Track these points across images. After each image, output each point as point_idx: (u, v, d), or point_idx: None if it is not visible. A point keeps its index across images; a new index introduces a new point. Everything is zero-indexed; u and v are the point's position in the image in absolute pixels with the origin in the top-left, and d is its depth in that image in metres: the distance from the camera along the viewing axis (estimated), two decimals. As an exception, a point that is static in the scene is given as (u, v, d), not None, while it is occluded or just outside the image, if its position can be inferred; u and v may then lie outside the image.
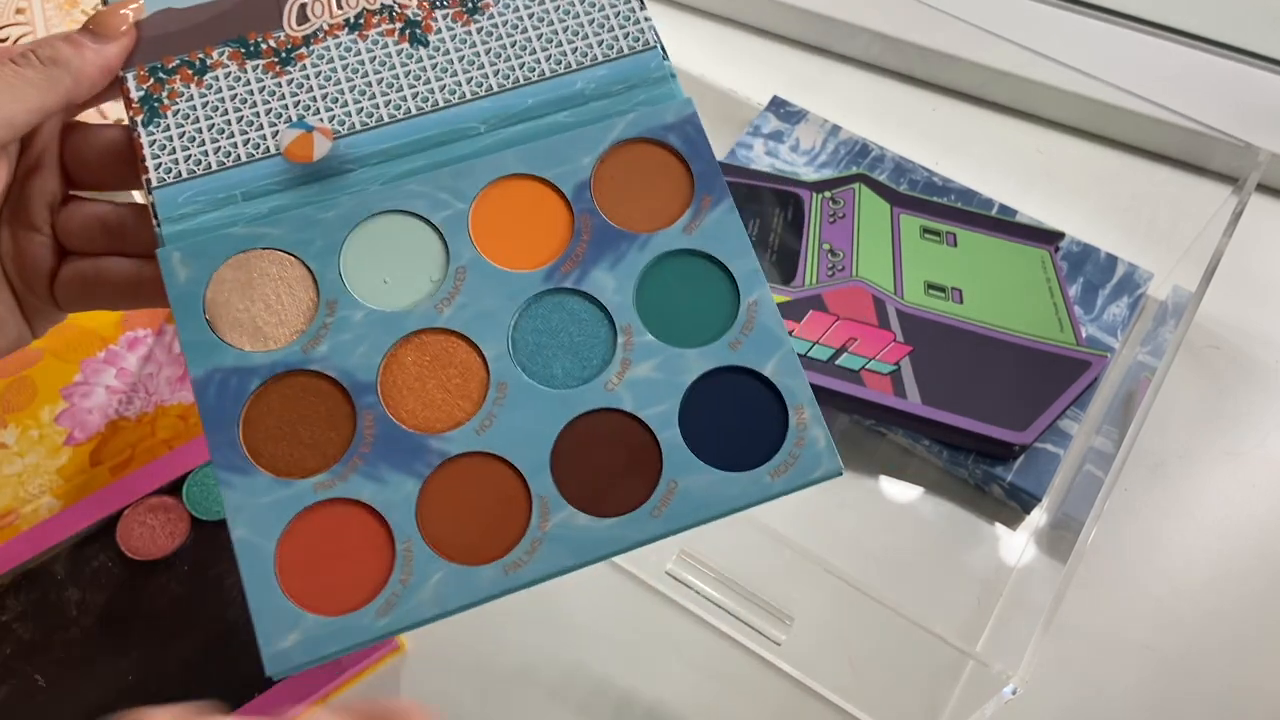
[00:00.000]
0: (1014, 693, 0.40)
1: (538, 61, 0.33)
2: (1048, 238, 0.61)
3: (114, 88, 0.32)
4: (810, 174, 0.64)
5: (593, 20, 0.33)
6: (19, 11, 0.55)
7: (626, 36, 0.33)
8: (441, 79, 0.32)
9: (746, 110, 0.68)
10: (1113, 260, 0.61)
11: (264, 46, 0.32)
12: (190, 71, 0.32)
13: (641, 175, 0.32)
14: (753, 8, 0.73)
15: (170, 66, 0.32)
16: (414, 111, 0.32)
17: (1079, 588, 0.51)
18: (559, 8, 0.33)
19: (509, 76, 0.32)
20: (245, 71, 0.32)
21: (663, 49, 0.33)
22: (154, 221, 0.31)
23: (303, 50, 0.32)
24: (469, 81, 0.32)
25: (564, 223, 0.31)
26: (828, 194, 0.61)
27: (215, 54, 0.32)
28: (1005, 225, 0.61)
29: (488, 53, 0.33)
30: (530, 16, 0.33)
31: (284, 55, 0.32)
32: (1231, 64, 0.70)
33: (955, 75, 0.70)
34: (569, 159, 0.32)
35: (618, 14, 0.33)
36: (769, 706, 0.49)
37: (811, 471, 0.29)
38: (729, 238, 0.31)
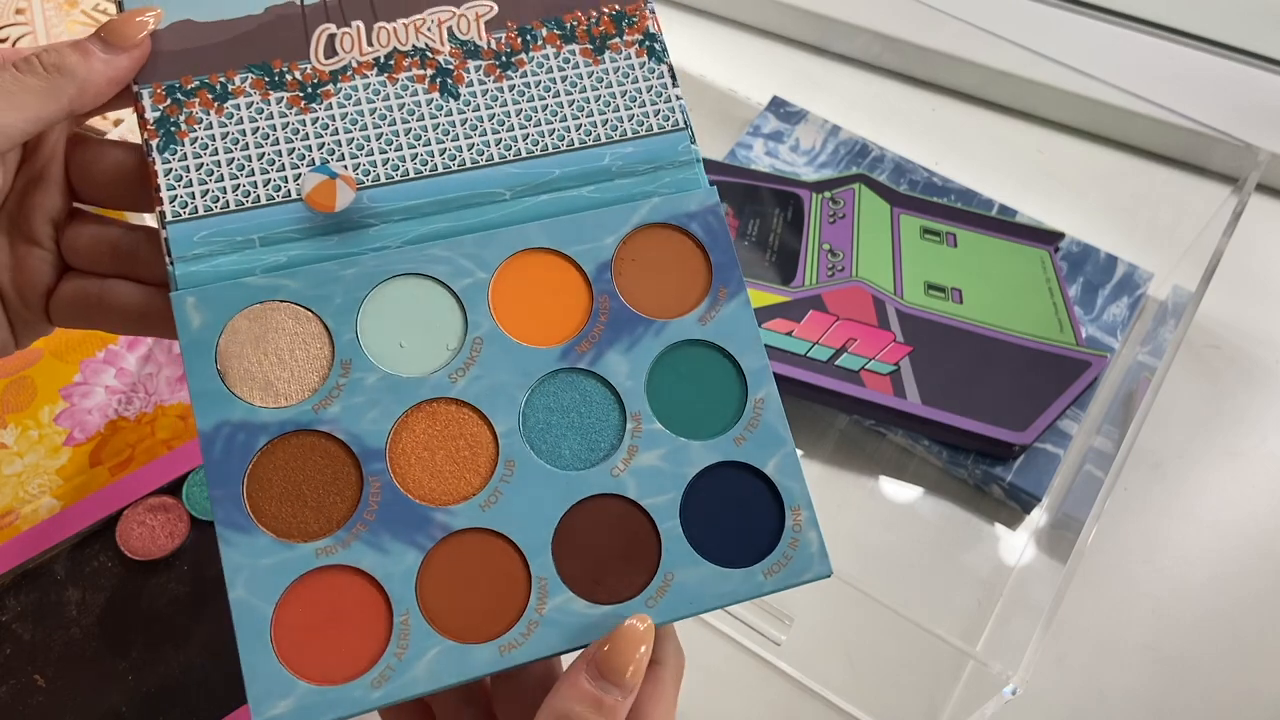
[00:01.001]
0: (1014, 693, 0.40)
1: (567, 130, 0.32)
2: (1047, 238, 0.61)
3: (122, 97, 0.30)
4: (810, 174, 0.64)
5: (625, 92, 0.33)
6: (18, 12, 0.55)
7: (657, 114, 0.33)
8: (470, 137, 0.32)
9: (746, 110, 0.68)
10: (1113, 260, 0.61)
11: (289, 78, 0.31)
12: (210, 96, 0.31)
13: (661, 261, 0.32)
14: (753, 8, 0.73)
15: (189, 88, 0.30)
16: (440, 169, 0.31)
17: (1079, 588, 0.51)
18: (593, 74, 0.33)
19: (538, 143, 0.32)
20: (269, 103, 0.31)
21: (691, 132, 0.33)
22: (167, 259, 0.30)
23: (329, 87, 0.31)
24: (498, 143, 0.32)
25: (583, 301, 0.31)
26: (828, 194, 0.61)
27: (237, 79, 0.31)
28: (1005, 225, 0.61)
29: (519, 113, 0.32)
30: (564, 79, 0.32)
31: (309, 90, 0.31)
32: (1231, 64, 0.70)
33: (955, 75, 0.70)
34: (592, 237, 0.32)
35: (650, 88, 0.33)
36: (769, 706, 0.49)
37: (803, 573, 0.30)
38: (742, 332, 0.31)
